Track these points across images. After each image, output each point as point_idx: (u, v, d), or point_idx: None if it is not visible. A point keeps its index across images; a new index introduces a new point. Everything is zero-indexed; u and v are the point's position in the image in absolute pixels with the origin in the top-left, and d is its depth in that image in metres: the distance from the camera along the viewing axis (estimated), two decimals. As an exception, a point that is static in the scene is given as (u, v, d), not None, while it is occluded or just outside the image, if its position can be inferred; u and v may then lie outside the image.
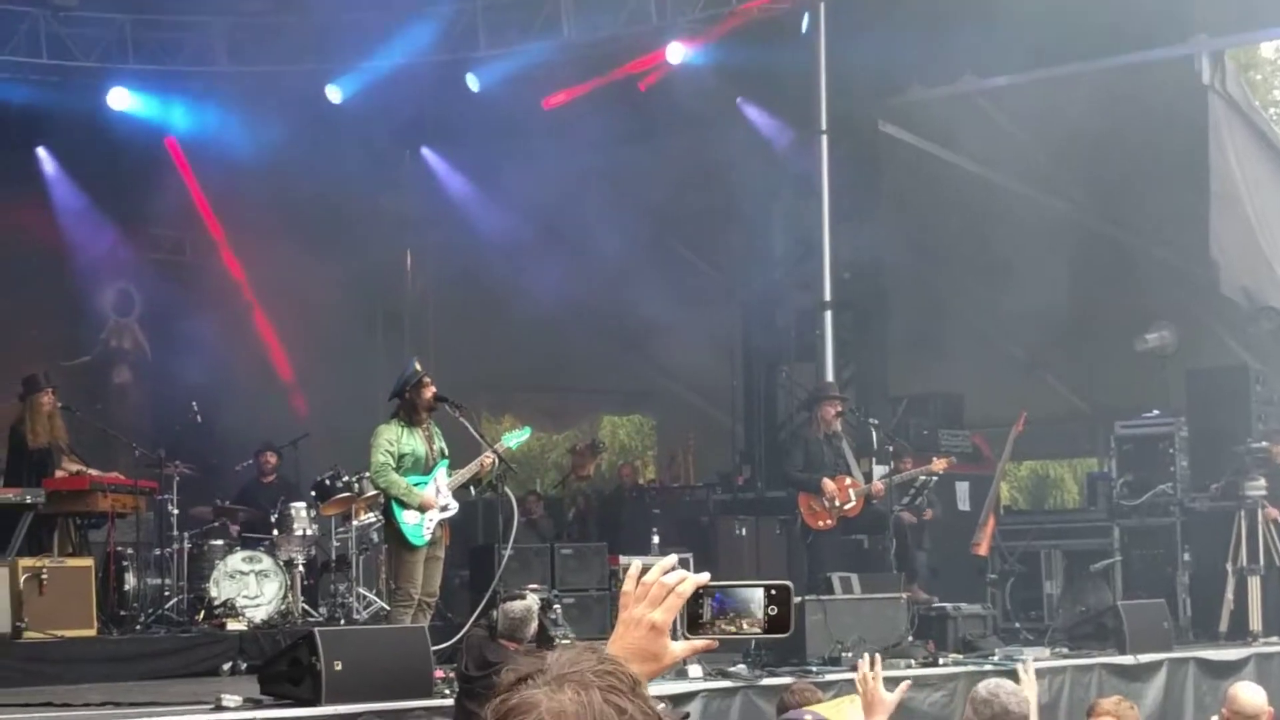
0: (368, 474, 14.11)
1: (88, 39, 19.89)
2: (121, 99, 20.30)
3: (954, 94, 19.63)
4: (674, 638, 3.33)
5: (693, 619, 3.39)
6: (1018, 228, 19.99)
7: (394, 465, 13.08)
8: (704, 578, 3.34)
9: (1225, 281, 18.74)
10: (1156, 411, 18.83)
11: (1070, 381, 22.76)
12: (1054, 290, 20.04)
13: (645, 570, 3.36)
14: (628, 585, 3.31)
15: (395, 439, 13.15)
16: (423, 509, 13.00)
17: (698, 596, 3.36)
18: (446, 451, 13.44)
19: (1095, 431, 21.67)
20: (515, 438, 13.69)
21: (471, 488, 13.73)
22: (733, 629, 3.40)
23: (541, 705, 2.65)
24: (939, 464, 16.75)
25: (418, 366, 13.46)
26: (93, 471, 15.91)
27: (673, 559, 3.40)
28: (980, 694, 6.78)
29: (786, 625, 3.40)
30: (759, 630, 3.40)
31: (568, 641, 10.95)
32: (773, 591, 3.40)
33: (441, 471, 13.24)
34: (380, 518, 15.22)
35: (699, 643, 3.38)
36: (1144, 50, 18.58)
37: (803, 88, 18.64)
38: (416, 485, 13.06)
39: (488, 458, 13.21)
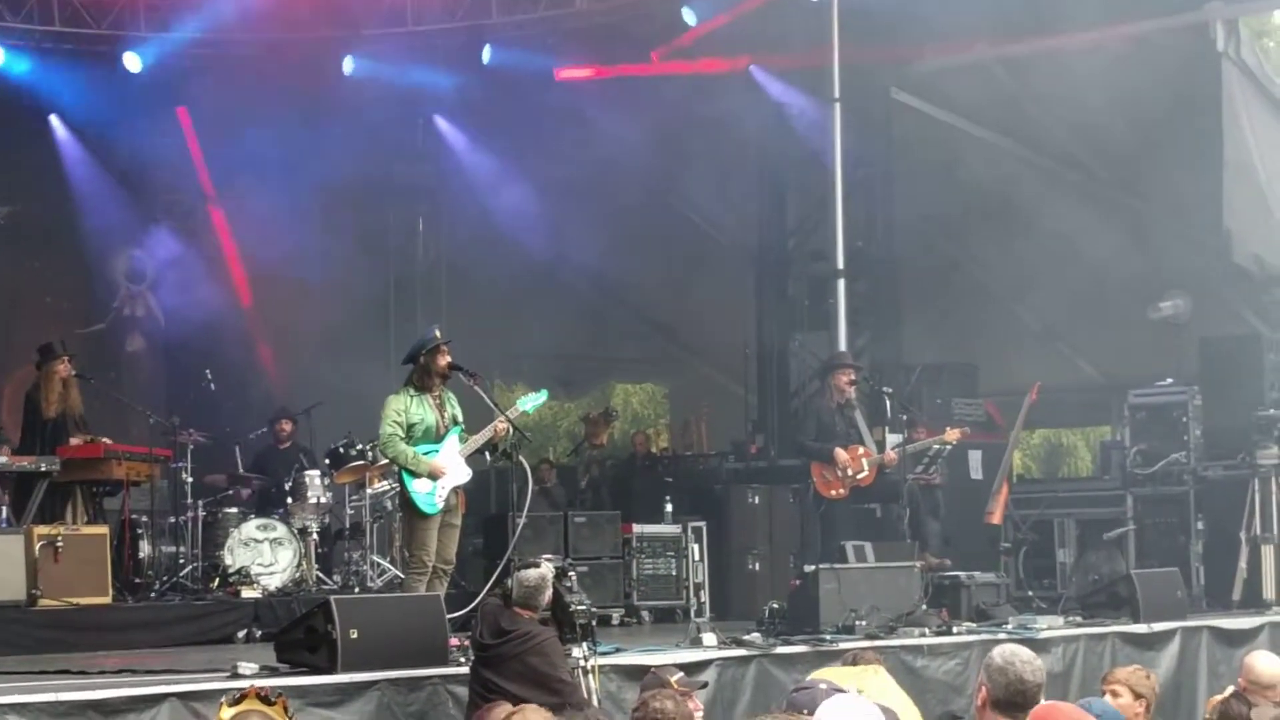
0: (378, 444, 14.09)
1: (100, 6, 19.89)
2: (134, 63, 20.29)
3: (967, 62, 19.58)
4: None
5: None
6: (1031, 196, 19.96)
7: (402, 435, 13.04)
8: None
9: (1238, 250, 18.71)
10: (1170, 380, 18.78)
11: (1084, 350, 22.70)
12: (1067, 259, 20.00)
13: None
14: None
15: (403, 409, 13.11)
16: (433, 476, 12.98)
17: None
18: (460, 418, 13.40)
19: (1108, 400, 21.61)
20: (531, 401, 13.65)
21: (487, 454, 13.72)
22: None
23: None
24: (953, 434, 16.74)
25: (437, 333, 13.42)
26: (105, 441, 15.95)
27: None
28: (996, 662, 6.66)
29: None
30: None
31: (583, 608, 10.99)
32: None
33: (453, 439, 13.22)
34: (394, 486, 15.25)
35: None
36: (1158, 17, 18.56)
37: (816, 55, 18.59)
38: (427, 454, 13.04)
39: (501, 424, 13.18)
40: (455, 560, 13.51)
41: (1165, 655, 14.73)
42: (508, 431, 13.13)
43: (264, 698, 5.82)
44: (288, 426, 18.41)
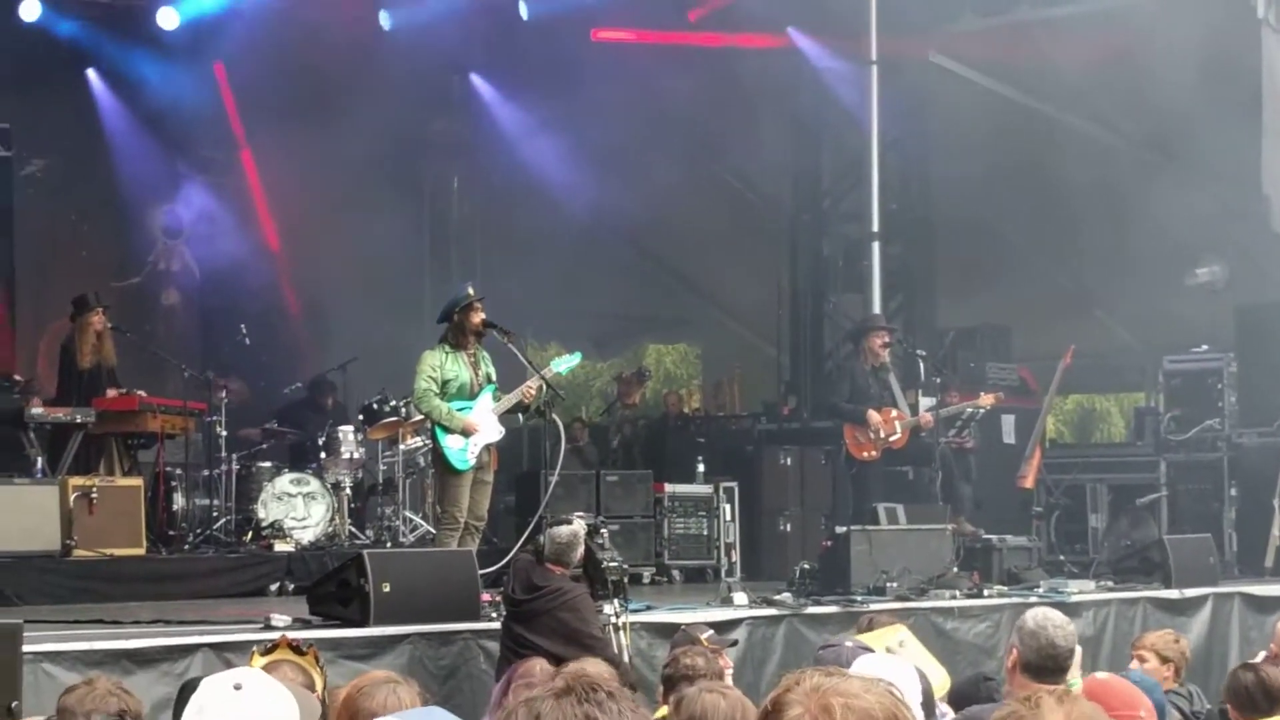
0: (412, 399, 14.13)
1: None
2: (170, 20, 20.30)
3: (1007, 24, 19.49)
4: None
5: None
6: (1068, 160, 19.87)
7: (437, 391, 13.08)
8: None
9: (1277, 217, 18.60)
10: (1205, 347, 18.73)
11: (1119, 315, 22.62)
12: (1104, 224, 19.93)
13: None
14: None
15: (438, 365, 13.13)
16: (465, 433, 13.00)
17: None
18: (494, 377, 13.42)
19: (1143, 366, 21.56)
20: (565, 363, 13.67)
21: (520, 414, 13.74)
22: None
23: None
24: (987, 399, 16.68)
25: (470, 290, 13.44)
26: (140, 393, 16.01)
27: None
28: (1028, 625, 6.62)
29: None
30: None
31: (615, 565, 11.02)
32: None
33: (487, 397, 13.24)
34: (427, 442, 15.29)
35: None
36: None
37: (854, 17, 18.53)
38: (460, 410, 13.07)
39: (532, 385, 13.21)
40: (487, 517, 13.56)
41: (1196, 621, 14.71)
42: (541, 390, 13.16)
43: (296, 648, 5.84)
44: (331, 403, 18.41)
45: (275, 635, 7.95)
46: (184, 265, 22.04)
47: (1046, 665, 6.54)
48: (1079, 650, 6.78)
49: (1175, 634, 10.13)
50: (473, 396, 13.16)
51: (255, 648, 6.17)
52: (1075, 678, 6.57)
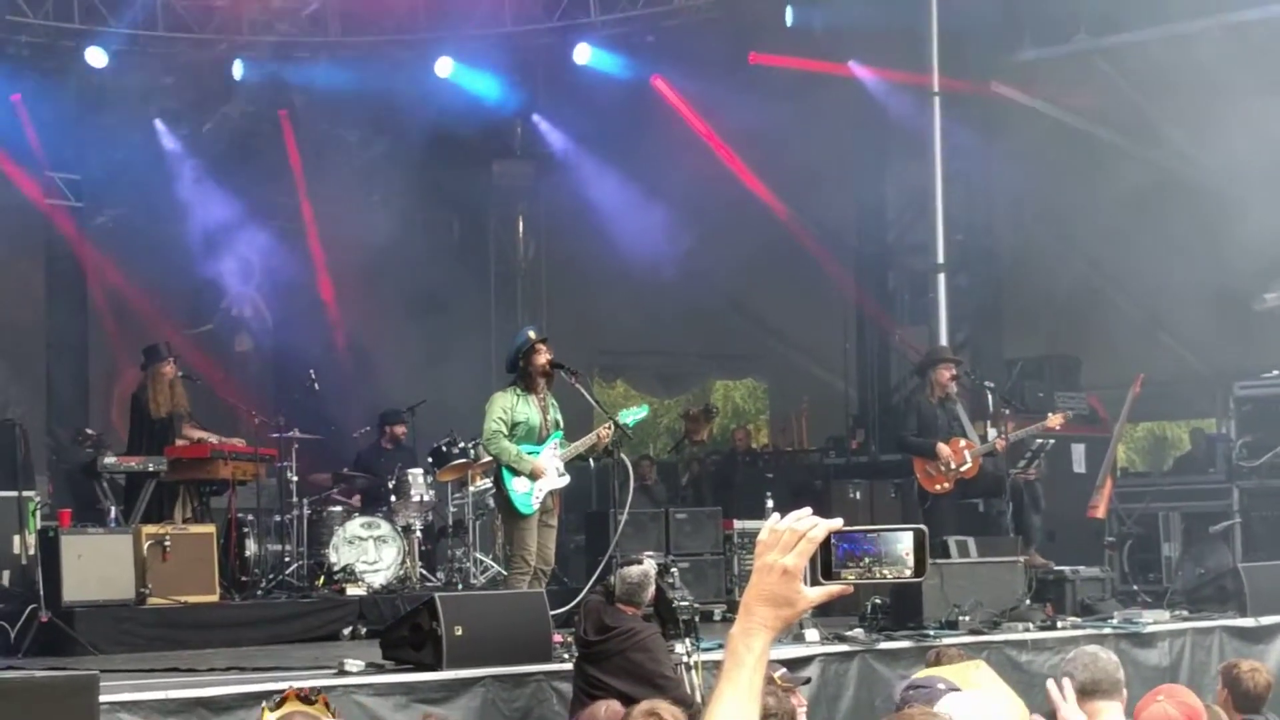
0: (481, 440, 14.17)
1: (202, 11, 20.12)
2: (236, 68, 20.49)
3: (1068, 53, 19.47)
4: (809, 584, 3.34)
5: (825, 565, 3.39)
6: (1132, 187, 19.80)
7: (506, 433, 13.13)
8: (836, 523, 3.35)
9: (1347, 240, 18.49)
10: (1276, 372, 18.60)
11: (1188, 342, 22.50)
12: (1170, 249, 19.83)
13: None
14: (763, 534, 3.31)
15: (509, 407, 13.19)
16: (533, 476, 13.04)
17: (829, 542, 3.37)
18: (561, 423, 13.48)
19: (1213, 392, 21.42)
20: (633, 415, 13.67)
21: (591, 461, 13.79)
22: (866, 575, 3.41)
23: None
24: (1055, 420, 16.52)
25: (531, 334, 13.50)
26: (213, 438, 16.13)
27: (806, 510, 3.40)
28: (1070, 654, 7.06)
29: (921, 569, 3.40)
30: (891, 575, 3.41)
31: (686, 604, 11.02)
32: (906, 536, 3.41)
33: (555, 442, 13.29)
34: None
35: (833, 588, 3.38)
36: (1256, 7, 18.38)
37: (915, 48, 18.55)
38: (529, 454, 13.12)
39: (605, 430, 13.26)
40: (554, 561, 13.59)
41: (1273, 649, 14.57)
42: (614, 433, 13.21)
43: (304, 698, 5.85)
44: (402, 431, 18.43)
45: (284, 687, 7.96)
46: (256, 311, 22.21)
47: (1100, 679, 6.75)
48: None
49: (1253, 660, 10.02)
50: (540, 441, 13.21)
51: (264, 703, 6.20)
52: None
